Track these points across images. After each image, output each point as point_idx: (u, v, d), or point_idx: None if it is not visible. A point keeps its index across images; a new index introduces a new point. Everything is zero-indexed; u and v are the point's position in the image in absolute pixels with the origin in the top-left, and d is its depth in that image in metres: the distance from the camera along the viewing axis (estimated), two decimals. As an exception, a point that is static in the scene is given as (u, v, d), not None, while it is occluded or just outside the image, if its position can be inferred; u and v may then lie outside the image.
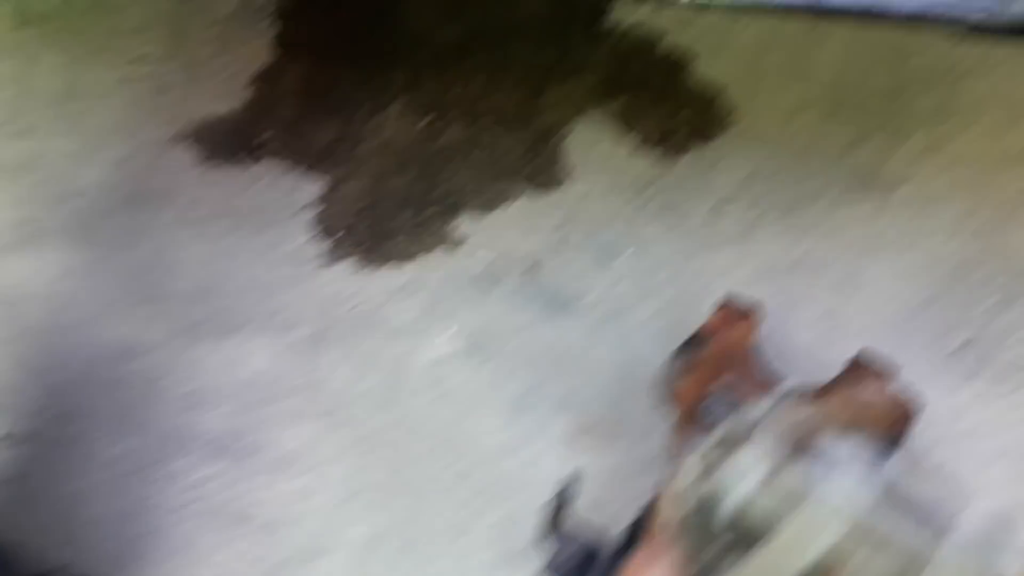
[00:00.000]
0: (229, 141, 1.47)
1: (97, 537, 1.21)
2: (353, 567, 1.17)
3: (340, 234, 1.46)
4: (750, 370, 1.06)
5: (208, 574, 1.16)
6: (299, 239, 1.45)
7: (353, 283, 1.41)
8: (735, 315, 1.09)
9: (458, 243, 1.42)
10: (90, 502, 1.25)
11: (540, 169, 1.49)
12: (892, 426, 0.91)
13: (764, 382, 1.02)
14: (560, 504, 0.88)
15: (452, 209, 1.46)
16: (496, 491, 1.21)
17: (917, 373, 1.21)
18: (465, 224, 1.44)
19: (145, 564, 1.18)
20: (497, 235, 1.43)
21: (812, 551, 0.66)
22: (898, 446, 0.82)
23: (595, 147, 1.49)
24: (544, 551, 0.87)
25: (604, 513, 1.10)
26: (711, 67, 1.49)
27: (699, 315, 1.29)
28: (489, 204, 1.46)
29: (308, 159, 1.49)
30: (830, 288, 1.32)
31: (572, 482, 0.89)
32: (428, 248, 1.43)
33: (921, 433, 1.18)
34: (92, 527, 1.23)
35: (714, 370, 1.05)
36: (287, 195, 1.48)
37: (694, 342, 1.06)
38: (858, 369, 0.94)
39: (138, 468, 1.27)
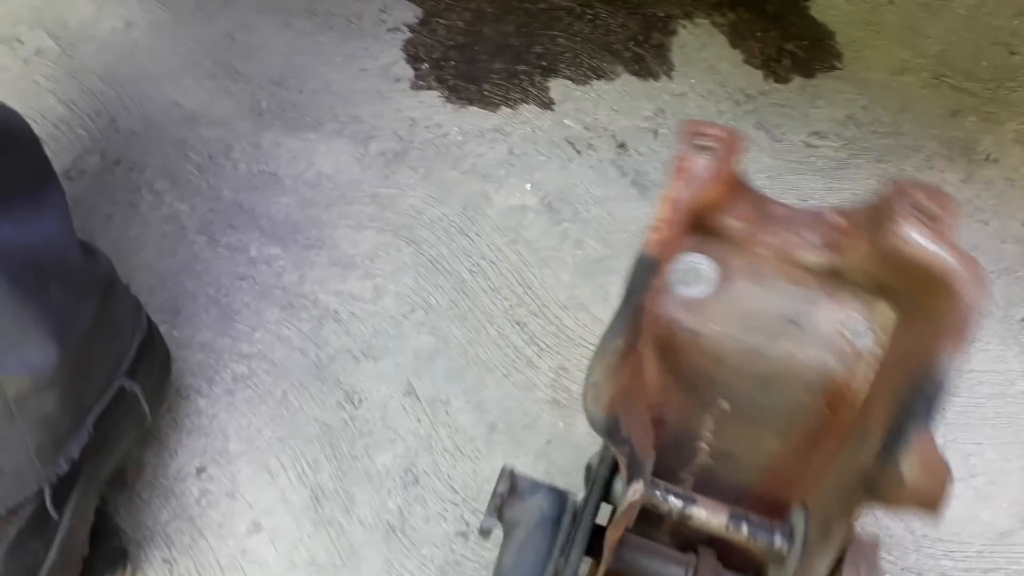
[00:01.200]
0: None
1: (149, 284, 1.36)
2: (401, 377, 1.35)
3: (427, 65, 1.66)
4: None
5: (257, 348, 1.32)
6: (386, 58, 1.64)
7: (437, 115, 1.61)
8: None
9: (546, 105, 1.65)
10: (146, 251, 1.40)
11: (642, 57, 1.73)
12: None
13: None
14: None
15: (546, 72, 1.68)
16: (552, 342, 1.43)
17: (979, 335, 1.48)
18: (556, 89, 1.67)
19: (200, 322, 1.33)
20: (588, 108, 1.66)
21: None
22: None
23: (699, 52, 1.74)
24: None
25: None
26: (828, 9, 1.77)
27: None
28: (584, 77, 1.69)
29: (410, -16, 1.69)
30: (908, 235, 1.60)
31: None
32: (515, 103, 1.65)
33: (976, 387, 1.45)
34: (146, 273, 1.38)
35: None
36: (380, 12, 1.67)
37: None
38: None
39: (195, 231, 1.42)
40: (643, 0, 1.64)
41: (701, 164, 0.60)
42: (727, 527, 0.75)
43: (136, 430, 1.01)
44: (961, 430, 1.31)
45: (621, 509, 0.73)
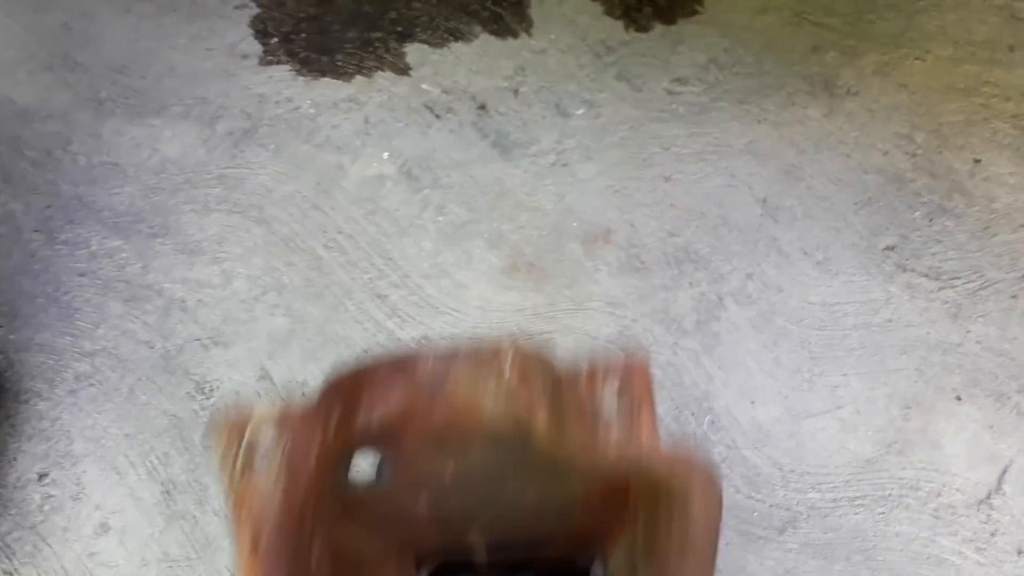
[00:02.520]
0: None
1: None
2: (254, 361, 1.26)
3: (276, 39, 1.56)
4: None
5: (101, 345, 1.23)
6: (233, 36, 1.54)
7: (287, 89, 1.51)
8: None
9: (402, 71, 1.55)
10: None
11: (500, 16, 1.64)
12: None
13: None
14: None
15: (401, 37, 1.59)
16: (415, 312, 1.35)
17: (842, 267, 1.44)
18: (412, 55, 1.57)
19: (38, 322, 1.24)
20: (445, 72, 1.57)
21: None
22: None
23: (558, 7, 1.66)
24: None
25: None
26: (686, -46, 1.69)
27: (643, 181, 1.47)
28: (441, 40, 1.60)
29: (255, -43, 1.59)
30: (771, 176, 1.54)
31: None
32: (370, 71, 1.55)
33: (841, 319, 1.40)
34: None
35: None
36: None
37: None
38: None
39: (31, 229, 1.32)
40: None
41: (261, 486, 0.48)
42: None
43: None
44: (827, 363, 1.26)
45: None
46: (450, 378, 0.47)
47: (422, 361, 0.47)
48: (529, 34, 1.52)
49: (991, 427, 1.20)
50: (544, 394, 0.45)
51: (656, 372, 1.24)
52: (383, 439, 0.49)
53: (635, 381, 0.47)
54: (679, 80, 1.53)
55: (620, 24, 1.56)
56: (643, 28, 1.56)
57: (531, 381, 0.45)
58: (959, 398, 1.24)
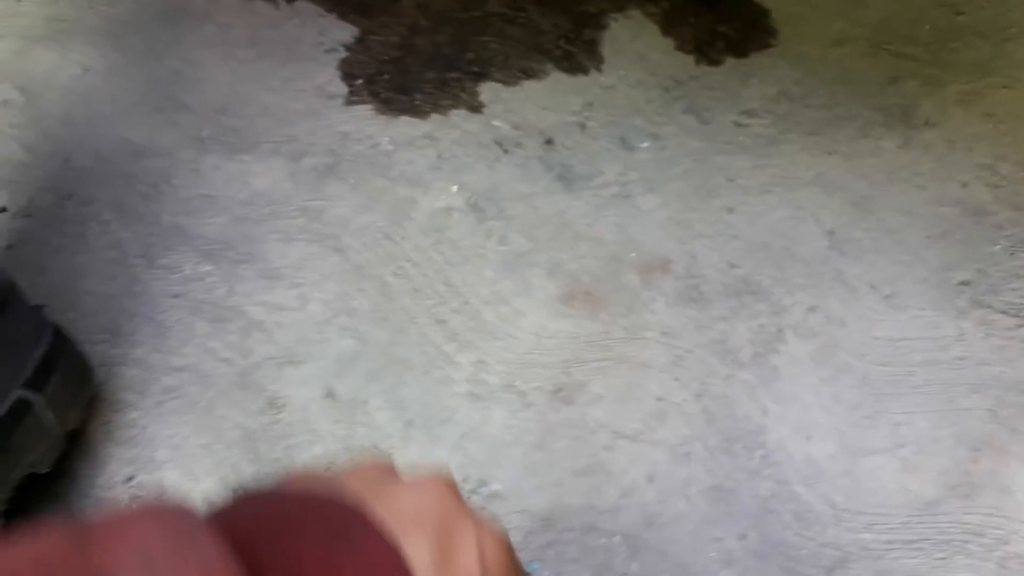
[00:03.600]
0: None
1: (92, 307, 1.38)
2: (322, 380, 1.33)
3: (361, 81, 1.64)
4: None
5: (187, 361, 1.32)
6: (321, 78, 1.63)
7: (368, 127, 1.59)
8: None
9: (475, 109, 1.60)
10: (88, 277, 1.42)
11: (572, 54, 1.67)
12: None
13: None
14: None
15: (476, 77, 1.64)
16: (473, 337, 1.38)
17: (911, 302, 1.38)
18: (486, 93, 1.62)
19: (135, 339, 1.35)
20: (516, 108, 1.61)
21: None
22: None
23: (630, 44, 1.67)
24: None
25: (573, 374, 1.31)
26: (760, -12, 1.67)
27: (706, 212, 1.46)
28: (514, 79, 1.64)
29: (344, 7, 1.68)
30: (839, 208, 1.49)
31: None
32: (445, 109, 1.61)
33: (908, 355, 1.34)
34: (89, 298, 1.40)
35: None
36: (317, 36, 1.67)
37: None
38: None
39: (135, 255, 1.44)
40: (572, 1, 1.58)
41: None
42: None
43: (44, 440, 1.02)
44: (890, 400, 1.22)
45: None
46: None
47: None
48: (599, 70, 1.54)
49: (1069, 473, 1.12)
50: None
51: (709, 404, 1.23)
52: None
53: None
54: (748, 113, 1.51)
55: (691, 59, 1.56)
56: (714, 62, 1.56)
57: None
58: (1035, 441, 1.16)
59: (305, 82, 1.61)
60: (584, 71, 1.61)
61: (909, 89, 1.56)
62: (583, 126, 1.56)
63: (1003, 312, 1.31)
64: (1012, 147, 1.52)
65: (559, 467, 1.18)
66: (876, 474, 1.18)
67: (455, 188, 1.47)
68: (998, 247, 1.39)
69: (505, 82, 1.61)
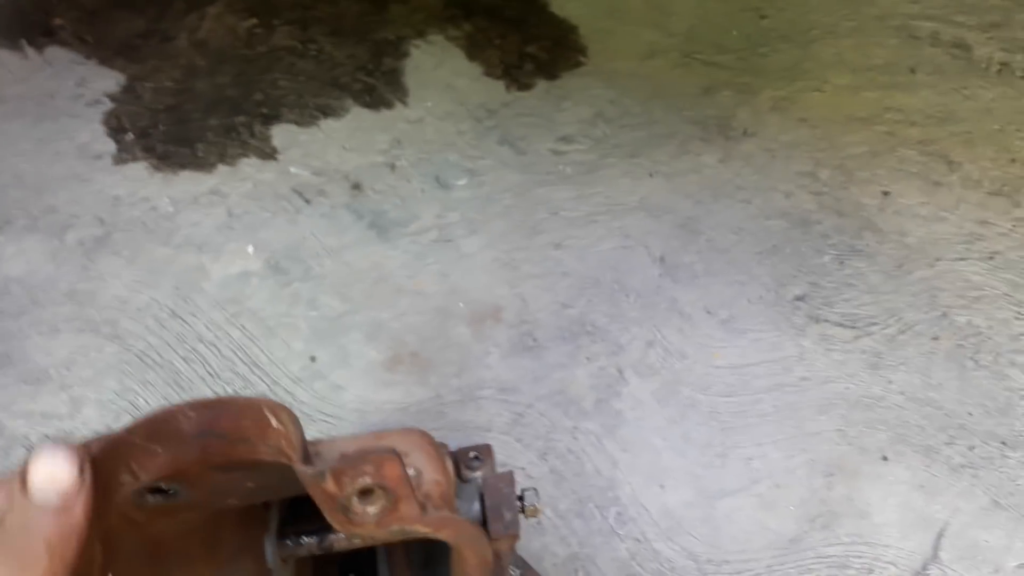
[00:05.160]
0: (12, 23, 1.39)
1: None
2: None
3: (132, 135, 1.40)
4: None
5: None
6: (84, 135, 1.38)
7: (144, 188, 1.35)
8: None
9: (268, 156, 1.40)
10: None
11: (373, 87, 1.49)
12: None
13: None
14: None
15: (266, 120, 1.44)
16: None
17: (749, 324, 1.28)
18: (279, 137, 1.42)
19: None
20: (316, 151, 1.41)
21: None
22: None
23: (435, 72, 1.51)
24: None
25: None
26: (568, 3, 1.56)
27: (533, 250, 1.31)
28: (310, 119, 1.45)
29: (105, 51, 1.43)
30: (669, 232, 1.39)
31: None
32: (233, 159, 1.40)
33: (752, 381, 1.24)
34: None
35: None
36: (77, 86, 1.41)
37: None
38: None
39: None
40: (371, 26, 1.38)
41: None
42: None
43: None
44: (740, 433, 1.10)
45: None
46: (219, 425, 0.46)
47: (182, 415, 0.45)
48: (404, 103, 1.37)
49: (922, 487, 1.05)
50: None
51: (556, 463, 1.07)
52: (163, 481, 0.47)
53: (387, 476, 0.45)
54: (565, 139, 1.38)
55: (501, 84, 1.42)
56: (525, 86, 1.42)
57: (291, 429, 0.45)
58: (885, 458, 1.08)
59: (65, 142, 1.36)
60: (388, 105, 1.44)
61: (724, 99, 1.48)
62: (393, 166, 1.39)
63: (840, 324, 1.24)
64: (829, 152, 1.46)
65: None
66: (734, 516, 1.07)
67: (251, 249, 1.27)
68: (827, 257, 1.33)
69: (300, 123, 1.42)
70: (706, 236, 1.35)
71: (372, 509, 0.46)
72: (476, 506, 0.67)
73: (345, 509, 0.46)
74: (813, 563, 1.04)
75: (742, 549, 1.06)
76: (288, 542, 0.67)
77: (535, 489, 0.71)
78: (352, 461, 0.45)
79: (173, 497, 0.51)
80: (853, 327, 1.25)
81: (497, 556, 0.68)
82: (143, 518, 0.52)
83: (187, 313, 1.22)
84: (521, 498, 0.71)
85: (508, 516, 0.67)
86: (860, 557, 1.04)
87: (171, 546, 0.58)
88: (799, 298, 1.29)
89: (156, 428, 0.45)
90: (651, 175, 1.38)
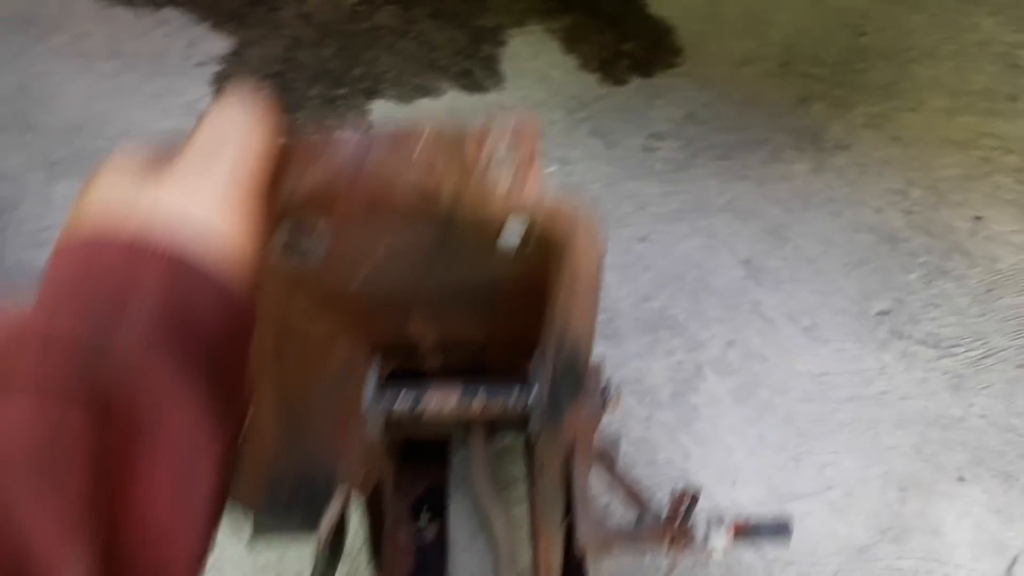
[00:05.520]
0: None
1: None
2: None
3: None
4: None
5: None
6: (192, 93, 1.43)
7: None
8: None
9: None
10: None
11: (470, 71, 1.52)
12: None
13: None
14: None
15: (367, 94, 1.47)
16: None
17: (831, 334, 1.28)
18: (377, 111, 1.46)
19: None
20: None
21: None
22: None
23: (532, 61, 1.54)
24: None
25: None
26: (666, 5, 1.57)
27: (618, 242, 1.33)
28: (408, 96, 1.48)
29: (217, 16, 1.49)
30: (754, 236, 1.39)
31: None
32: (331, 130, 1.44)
33: (831, 391, 1.23)
34: None
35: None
36: (188, 47, 1.47)
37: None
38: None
39: None
40: (472, 11, 1.42)
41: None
42: (459, 406, 0.73)
43: None
44: (816, 440, 1.10)
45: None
46: (369, 157, 0.49)
47: (343, 140, 0.47)
48: (500, 89, 1.40)
49: (998, 511, 1.04)
50: (453, 167, 0.48)
51: (628, 448, 1.08)
52: (310, 210, 0.50)
53: (524, 139, 0.49)
54: (655, 136, 1.39)
55: (595, 78, 1.44)
56: (619, 82, 1.44)
57: (442, 157, 0.48)
58: (962, 478, 1.07)
59: (174, 98, 1.41)
60: (483, 89, 1.47)
61: (818, 111, 1.48)
62: (485, 148, 1.40)
63: (922, 343, 1.23)
64: (921, 171, 1.45)
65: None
66: (805, 519, 1.07)
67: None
68: (914, 275, 1.31)
69: (399, 99, 1.45)
70: (793, 244, 1.35)
71: (505, 173, 0.49)
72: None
73: (483, 171, 0.49)
74: (882, 573, 1.03)
75: (810, 552, 1.06)
76: (386, 393, 0.71)
77: (619, 385, 0.76)
78: (494, 120, 0.50)
79: (309, 255, 0.54)
80: (936, 347, 1.24)
81: (580, 438, 0.72)
82: (271, 291, 0.55)
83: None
84: (605, 389, 0.75)
85: (594, 401, 0.73)
86: (931, 574, 1.03)
87: (296, 331, 0.62)
88: (883, 313, 1.28)
89: (321, 142, 0.49)
90: (741, 179, 1.39)
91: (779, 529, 0.73)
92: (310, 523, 0.69)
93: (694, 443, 1.13)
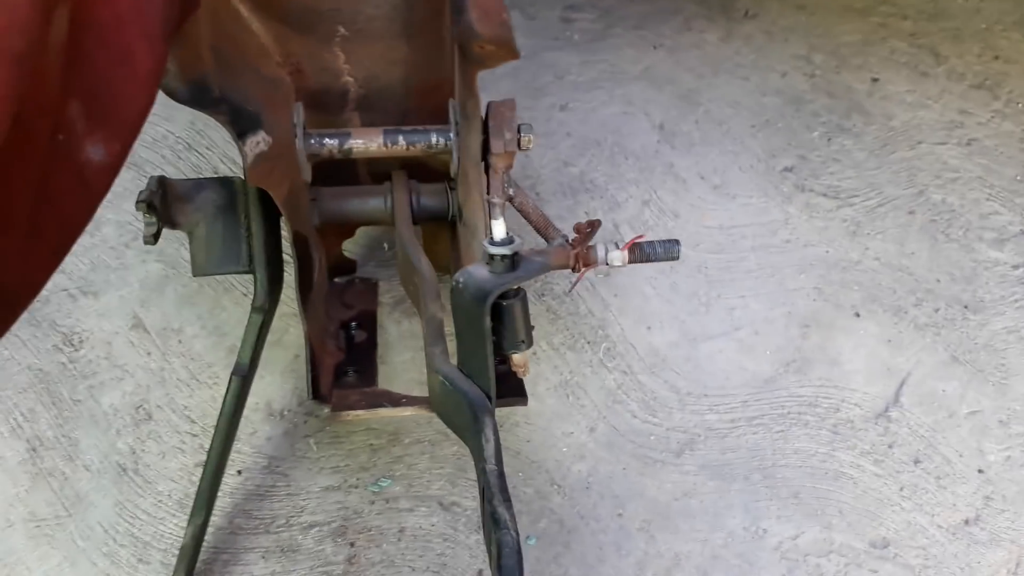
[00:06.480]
0: None
1: None
2: (126, 310, 1.16)
3: None
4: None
5: None
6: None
7: None
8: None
9: None
10: None
11: None
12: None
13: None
14: None
15: None
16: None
17: (739, 190, 1.36)
18: None
19: None
20: None
21: None
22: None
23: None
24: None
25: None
26: None
27: (538, 111, 1.37)
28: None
29: None
30: (669, 102, 1.45)
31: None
32: None
33: (739, 241, 1.32)
34: None
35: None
36: None
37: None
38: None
39: None
40: None
41: None
42: (384, 145, 0.83)
43: None
44: (725, 286, 1.20)
45: (248, 163, 0.75)
46: None
47: None
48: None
49: (889, 341, 1.15)
50: None
51: (552, 303, 1.16)
52: None
53: None
54: (573, 7, 1.43)
55: (511, -47, 1.45)
56: (536, -44, 1.46)
57: None
58: (858, 314, 1.18)
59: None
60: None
61: (728, -20, 1.53)
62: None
63: (823, 195, 1.33)
64: (823, 38, 1.53)
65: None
66: (715, 358, 1.17)
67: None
68: (816, 133, 1.40)
69: None
70: (704, 107, 1.42)
71: None
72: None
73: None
74: (786, 401, 1.14)
75: (721, 386, 1.16)
76: (312, 135, 0.79)
77: (531, 125, 0.84)
78: None
79: None
80: (836, 198, 1.34)
81: (495, 171, 0.82)
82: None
83: (203, 147, 1.27)
84: (520, 128, 0.82)
85: (508, 136, 0.80)
86: (828, 398, 1.14)
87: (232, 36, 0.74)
88: (788, 169, 1.37)
89: None
90: (655, 48, 1.44)
91: (668, 246, 0.81)
92: (236, 259, 0.81)
93: (612, 294, 1.21)
